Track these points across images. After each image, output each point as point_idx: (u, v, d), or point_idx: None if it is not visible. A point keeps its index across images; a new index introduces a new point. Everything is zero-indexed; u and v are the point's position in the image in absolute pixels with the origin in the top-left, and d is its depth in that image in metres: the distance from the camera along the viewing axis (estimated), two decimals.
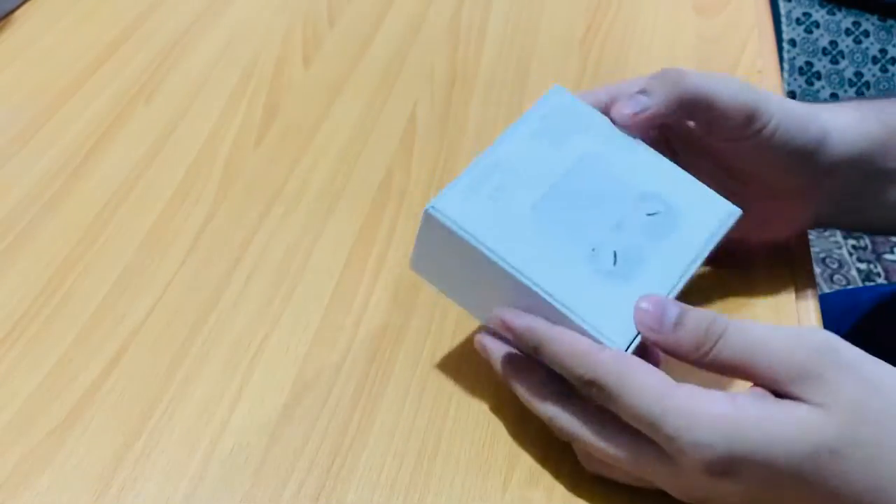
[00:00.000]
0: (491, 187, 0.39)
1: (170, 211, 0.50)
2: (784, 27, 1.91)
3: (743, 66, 0.64)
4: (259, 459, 0.39)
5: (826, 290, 1.52)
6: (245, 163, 0.54)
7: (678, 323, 0.35)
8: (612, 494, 0.38)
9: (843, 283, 1.55)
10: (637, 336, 0.36)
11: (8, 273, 0.46)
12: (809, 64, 1.86)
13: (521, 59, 0.64)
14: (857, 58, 1.85)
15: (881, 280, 1.56)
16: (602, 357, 0.34)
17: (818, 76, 1.86)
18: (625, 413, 0.34)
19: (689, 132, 0.44)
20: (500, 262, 0.37)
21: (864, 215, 0.47)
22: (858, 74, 1.85)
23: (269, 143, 0.55)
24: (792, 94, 1.83)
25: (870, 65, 1.85)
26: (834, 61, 1.86)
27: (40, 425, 0.40)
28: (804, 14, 1.92)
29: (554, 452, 0.39)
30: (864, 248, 1.62)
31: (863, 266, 1.58)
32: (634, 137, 0.42)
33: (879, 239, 1.64)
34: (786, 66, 1.85)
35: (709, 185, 0.41)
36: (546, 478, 0.38)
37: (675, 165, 0.41)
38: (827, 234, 1.64)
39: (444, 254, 0.39)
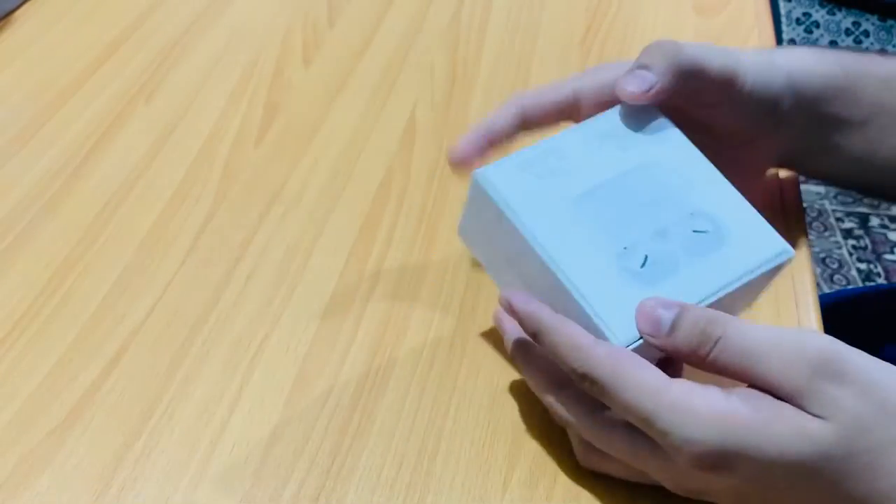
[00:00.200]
0: (543, 169, 0.38)
1: (170, 211, 0.50)
2: (784, 27, 1.91)
3: None
4: (259, 459, 0.39)
5: (826, 290, 1.52)
6: (245, 163, 0.54)
7: (674, 325, 0.35)
8: (612, 494, 0.38)
9: (843, 283, 1.55)
10: (641, 338, 0.35)
11: (8, 273, 0.46)
12: None
13: (521, 59, 0.64)
14: None
15: (881, 280, 1.56)
16: (597, 352, 0.34)
17: None
18: (618, 408, 0.34)
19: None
20: (528, 237, 0.37)
21: (817, 160, 0.47)
22: None
23: (269, 143, 0.55)
24: None
25: None
26: None
27: (40, 425, 0.40)
28: (804, 14, 1.92)
29: (554, 453, 0.39)
30: (865, 248, 1.62)
31: (863, 266, 1.58)
32: (705, 157, 0.40)
33: (879, 239, 1.64)
34: None
35: None
36: (546, 478, 0.38)
37: (738, 193, 0.40)
38: (827, 234, 1.64)
39: (484, 222, 0.39)
